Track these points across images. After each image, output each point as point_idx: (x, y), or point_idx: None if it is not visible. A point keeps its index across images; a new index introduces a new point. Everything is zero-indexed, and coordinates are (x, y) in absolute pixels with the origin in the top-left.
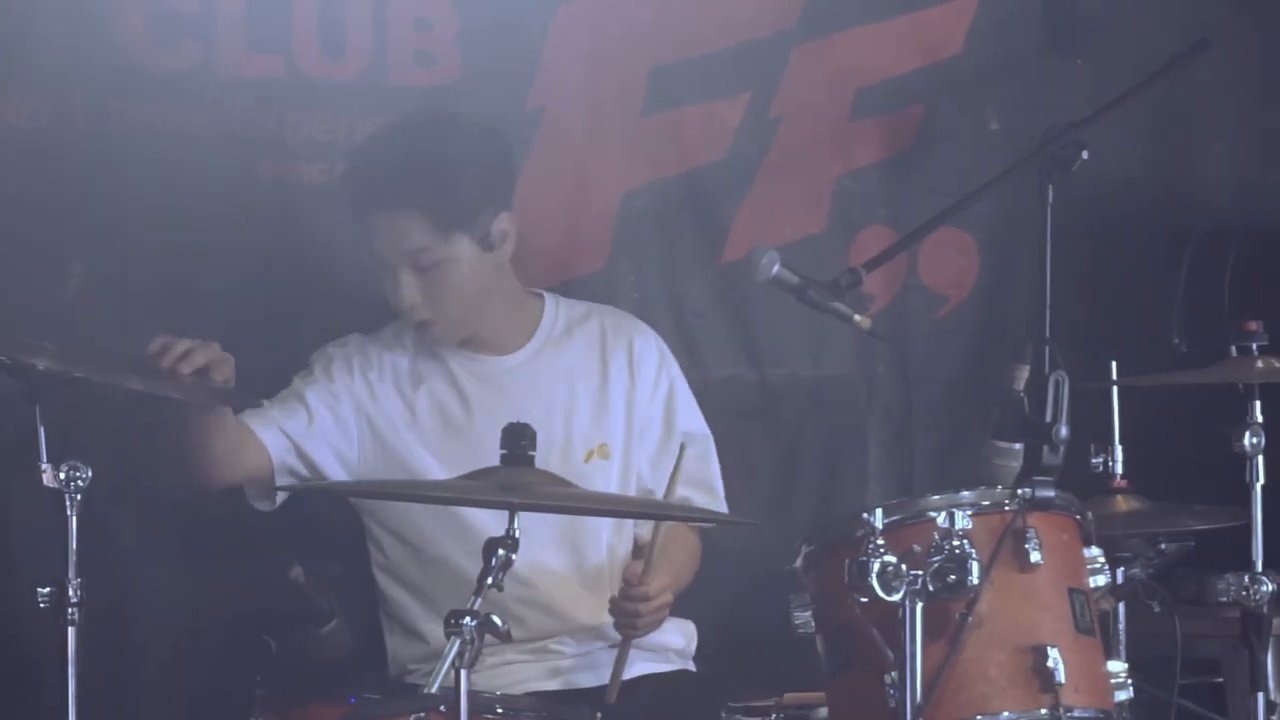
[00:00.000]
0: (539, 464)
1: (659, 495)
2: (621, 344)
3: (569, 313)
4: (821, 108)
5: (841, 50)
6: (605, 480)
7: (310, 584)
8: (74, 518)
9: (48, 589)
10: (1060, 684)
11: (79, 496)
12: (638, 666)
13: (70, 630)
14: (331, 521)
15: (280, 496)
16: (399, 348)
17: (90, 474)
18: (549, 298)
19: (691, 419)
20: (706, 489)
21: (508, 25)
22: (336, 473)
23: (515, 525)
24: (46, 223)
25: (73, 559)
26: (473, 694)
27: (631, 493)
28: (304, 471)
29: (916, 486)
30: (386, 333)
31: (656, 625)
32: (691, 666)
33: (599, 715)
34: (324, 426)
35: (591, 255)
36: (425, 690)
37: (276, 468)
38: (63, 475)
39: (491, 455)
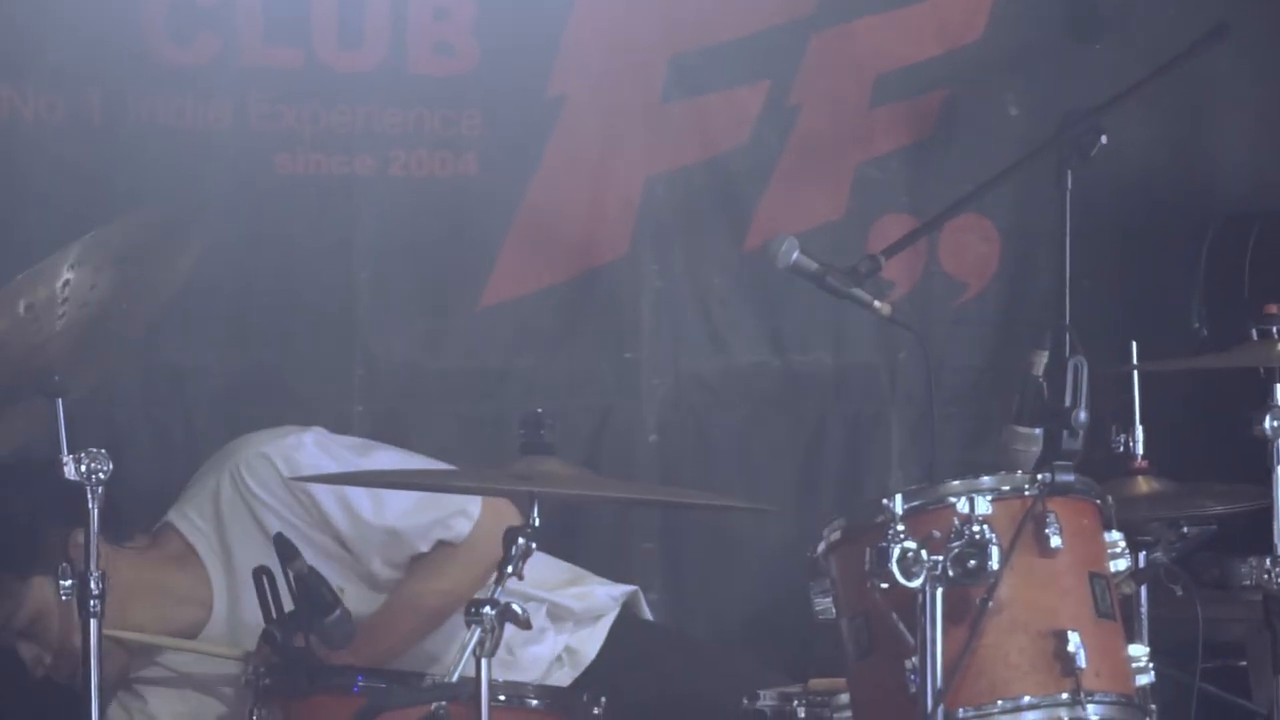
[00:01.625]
0: None
1: None
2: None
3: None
4: (841, 95)
5: (861, 37)
6: None
7: (314, 575)
8: (95, 510)
9: (69, 581)
10: (1081, 669)
11: (99, 489)
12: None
13: (92, 623)
14: None
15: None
16: None
17: (111, 467)
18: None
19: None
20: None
21: (526, 14)
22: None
23: (535, 513)
24: (62, 217)
25: (94, 552)
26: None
27: None
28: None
29: (938, 473)
30: None
31: None
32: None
33: (603, 700)
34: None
35: (613, 243)
36: (446, 679)
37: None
38: (84, 468)
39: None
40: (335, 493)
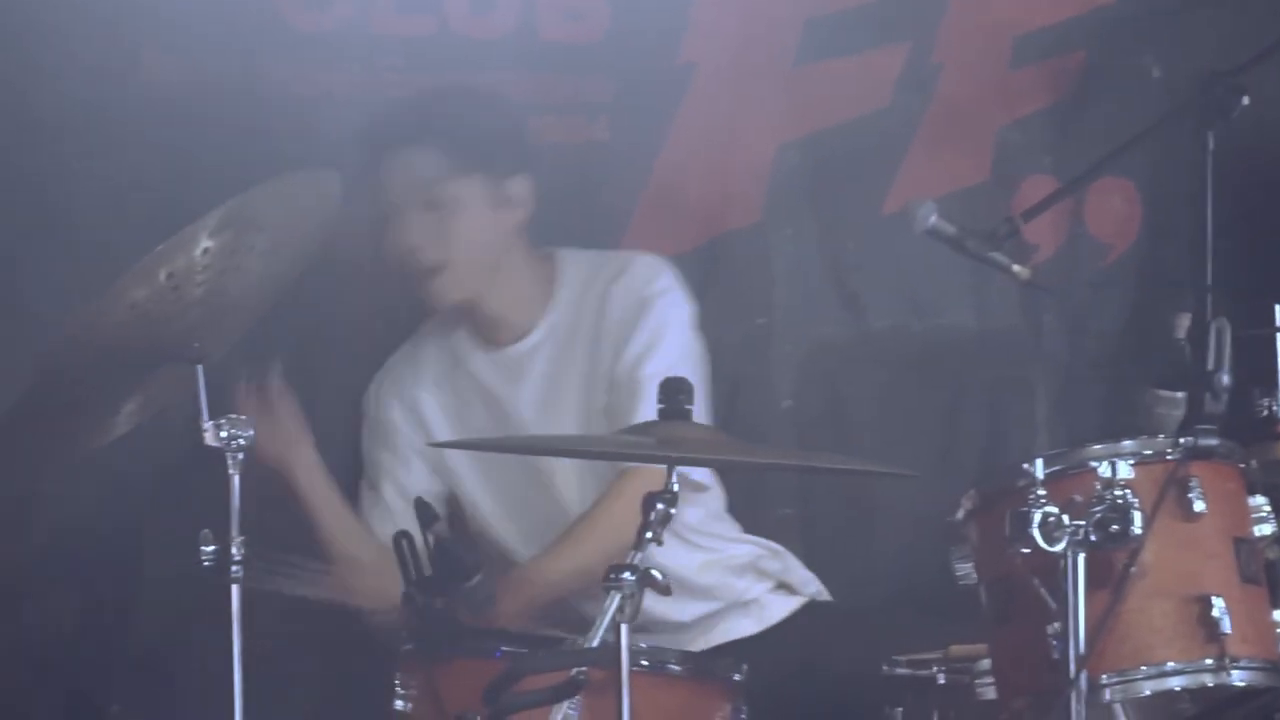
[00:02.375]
0: None
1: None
2: (614, 292)
3: (579, 273)
4: (981, 56)
5: None
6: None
7: (454, 538)
8: (235, 476)
9: (211, 548)
10: (1226, 634)
11: (240, 455)
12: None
13: (234, 588)
14: None
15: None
16: (432, 365)
17: (252, 433)
18: (561, 259)
19: (659, 362)
20: None
21: None
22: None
23: (674, 479)
24: (192, 182)
25: (235, 517)
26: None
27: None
28: None
29: (1080, 437)
30: (406, 358)
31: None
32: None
33: (744, 666)
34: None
35: (745, 210)
36: (586, 644)
37: None
38: (224, 434)
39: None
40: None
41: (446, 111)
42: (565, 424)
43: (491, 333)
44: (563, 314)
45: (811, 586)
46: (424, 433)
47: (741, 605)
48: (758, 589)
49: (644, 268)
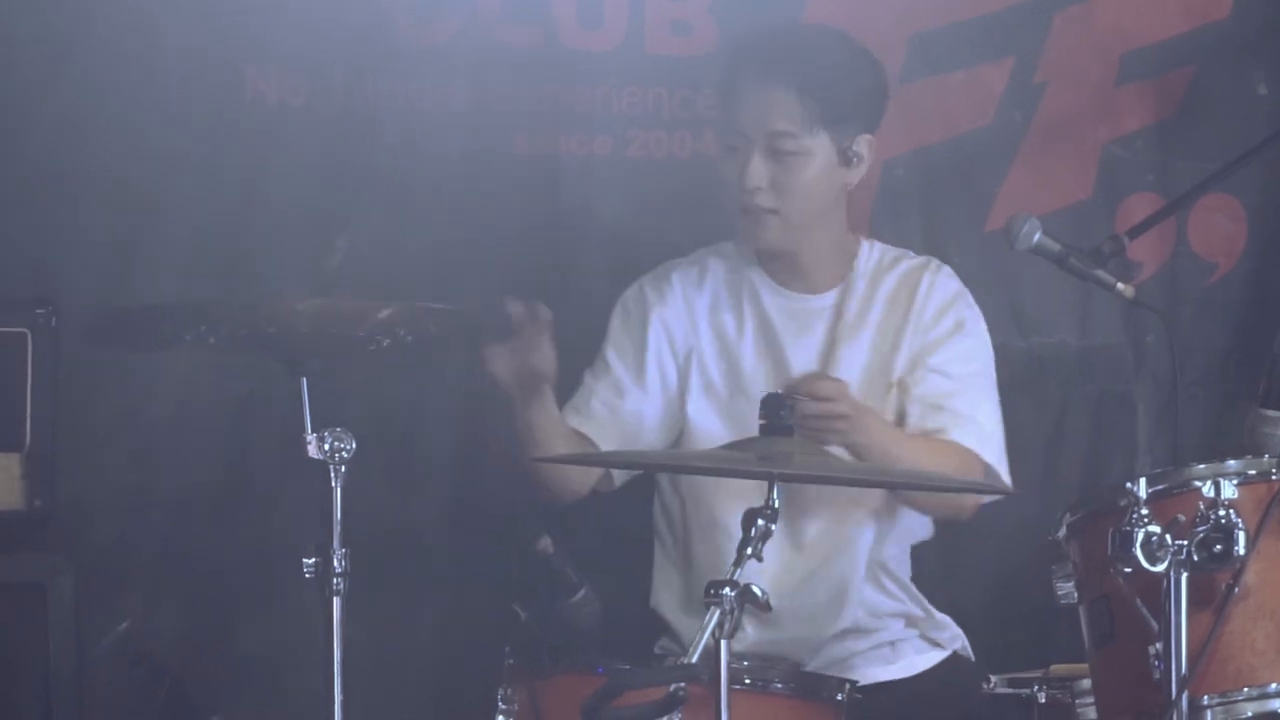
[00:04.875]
0: None
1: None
2: (923, 282)
3: (882, 255)
4: (1087, 72)
5: (1106, 14)
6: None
7: (558, 554)
8: (338, 489)
9: (313, 560)
10: None
11: (343, 468)
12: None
13: (335, 600)
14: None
15: (620, 478)
16: (707, 280)
17: (354, 445)
18: (865, 241)
19: (965, 363)
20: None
21: None
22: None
23: (775, 495)
24: (306, 197)
25: (337, 529)
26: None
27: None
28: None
29: (1183, 456)
30: (689, 266)
31: (827, 423)
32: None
33: (847, 685)
34: (652, 412)
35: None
36: (685, 660)
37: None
38: (327, 446)
39: None
40: None
41: (815, 61)
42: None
43: (788, 277)
44: (863, 284)
45: (958, 642)
46: (693, 348)
47: (889, 645)
48: (906, 633)
49: (946, 269)
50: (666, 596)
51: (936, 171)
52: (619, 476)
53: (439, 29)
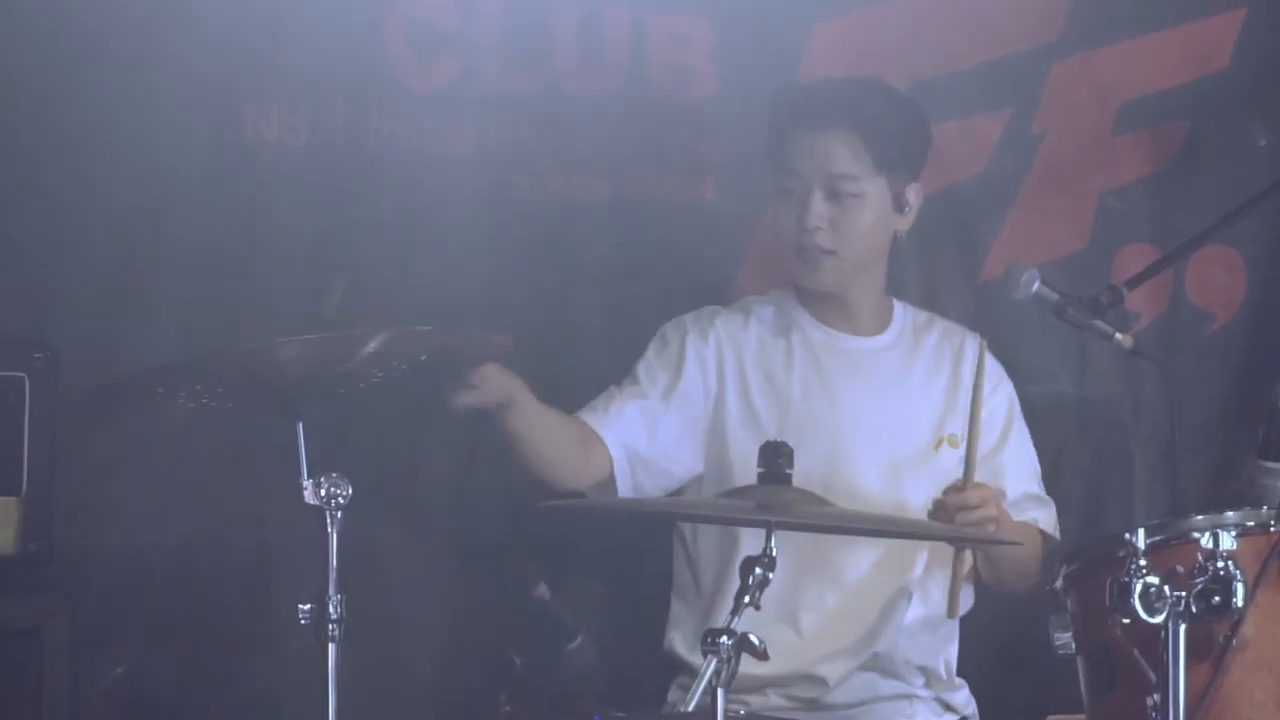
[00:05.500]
0: (886, 453)
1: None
2: (968, 348)
3: (915, 315)
4: (1084, 123)
5: (1104, 64)
6: (956, 468)
7: (556, 601)
8: (334, 534)
9: (308, 606)
10: None
11: (339, 514)
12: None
13: (330, 647)
14: (581, 538)
15: (623, 484)
16: (751, 318)
17: (350, 490)
18: (897, 300)
19: (1026, 445)
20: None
21: (765, 40)
22: (681, 468)
23: (772, 544)
24: (306, 239)
25: (333, 575)
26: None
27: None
28: (645, 482)
29: (1182, 507)
30: (732, 311)
31: (981, 526)
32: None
33: None
34: (669, 428)
35: None
36: (681, 709)
37: (617, 469)
38: (323, 492)
39: (847, 434)
40: None
41: (870, 109)
42: (883, 433)
43: (835, 319)
44: (908, 335)
45: (970, 708)
46: (735, 378)
47: (908, 699)
48: (924, 692)
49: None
50: (679, 637)
51: (933, 220)
52: (621, 482)
53: (440, 72)
